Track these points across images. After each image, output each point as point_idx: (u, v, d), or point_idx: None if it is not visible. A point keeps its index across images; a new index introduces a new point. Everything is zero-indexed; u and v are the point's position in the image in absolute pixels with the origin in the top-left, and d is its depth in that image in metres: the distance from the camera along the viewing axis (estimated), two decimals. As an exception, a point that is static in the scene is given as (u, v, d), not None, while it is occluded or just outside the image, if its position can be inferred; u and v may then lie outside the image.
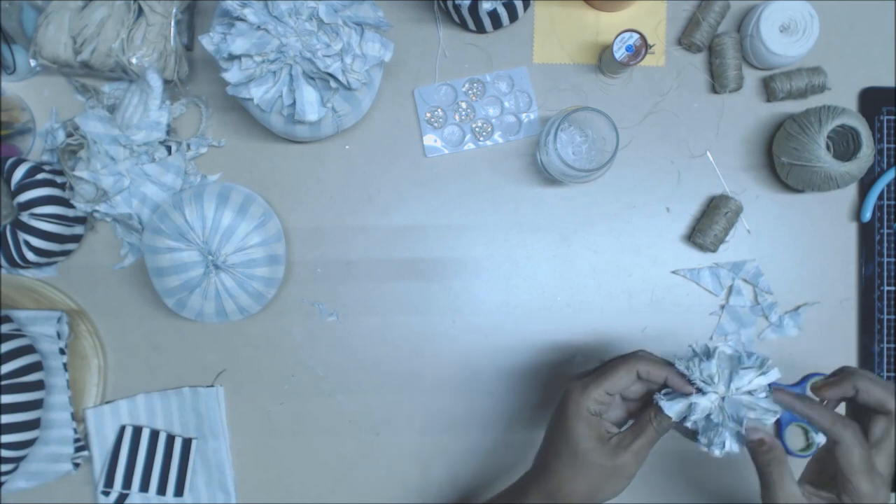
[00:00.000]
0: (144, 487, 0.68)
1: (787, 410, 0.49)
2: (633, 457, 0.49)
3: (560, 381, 0.71)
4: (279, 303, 0.70)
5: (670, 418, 0.49)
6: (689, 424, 0.49)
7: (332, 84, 0.60)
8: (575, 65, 0.71)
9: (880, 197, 0.71)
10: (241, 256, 0.62)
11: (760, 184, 0.71)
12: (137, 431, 0.69)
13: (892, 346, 0.71)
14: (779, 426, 0.68)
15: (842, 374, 0.52)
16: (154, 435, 0.69)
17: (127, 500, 0.68)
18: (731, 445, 0.49)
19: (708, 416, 0.49)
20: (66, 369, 0.67)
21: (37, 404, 0.64)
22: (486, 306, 0.71)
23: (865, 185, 0.71)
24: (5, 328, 0.63)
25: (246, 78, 0.59)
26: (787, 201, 0.71)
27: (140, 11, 0.64)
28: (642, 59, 0.65)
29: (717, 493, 0.71)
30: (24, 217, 0.64)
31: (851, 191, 0.71)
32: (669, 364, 0.51)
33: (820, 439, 0.50)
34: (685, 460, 0.70)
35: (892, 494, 0.50)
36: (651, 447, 0.50)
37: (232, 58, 0.59)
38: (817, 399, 0.52)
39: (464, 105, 0.71)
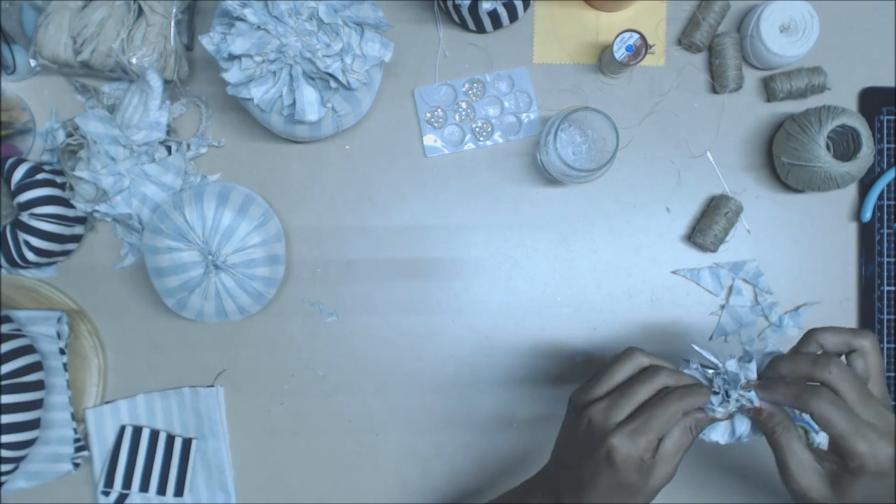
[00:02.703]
0: (144, 487, 0.68)
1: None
2: (666, 474, 0.49)
3: (560, 381, 0.71)
4: (279, 303, 0.70)
5: (688, 439, 0.49)
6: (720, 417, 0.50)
7: (332, 84, 0.60)
8: (575, 65, 0.71)
9: (880, 197, 0.71)
10: (241, 256, 0.62)
11: (760, 184, 0.71)
12: (137, 431, 0.69)
13: (892, 346, 0.71)
14: None
15: (802, 340, 0.50)
16: (154, 435, 0.69)
17: (127, 500, 0.68)
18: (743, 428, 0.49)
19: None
20: (66, 369, 0.67)
21: (37, 404, 0.64)
22: (486, 306, 0.71)
23: (865, 185, 0.71)
24: (5, 328, 0.63)
25: (246, 78, 0.59)
26: (787, 201, 0.71)
27: (140, 11, 0.64)
28: (642, 59, 0.65)
29: (719, 491, 0.71)
30: (24, 217, 0.64)
31: (851, 191, 0.71)
32: (699, 385, 0.50)
33: (821, 439, 0.49)
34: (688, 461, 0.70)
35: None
36: (678, 460, 0.50)
37: (232, 58, 0.59)
38: (779, 378, 0.50)
39: (464, 105, 0.71)
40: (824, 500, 0.45)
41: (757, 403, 0.48)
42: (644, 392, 0.49)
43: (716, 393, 0.49)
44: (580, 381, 0.70)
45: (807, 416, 0.48)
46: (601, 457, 0.48)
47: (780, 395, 0.47)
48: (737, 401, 0.49)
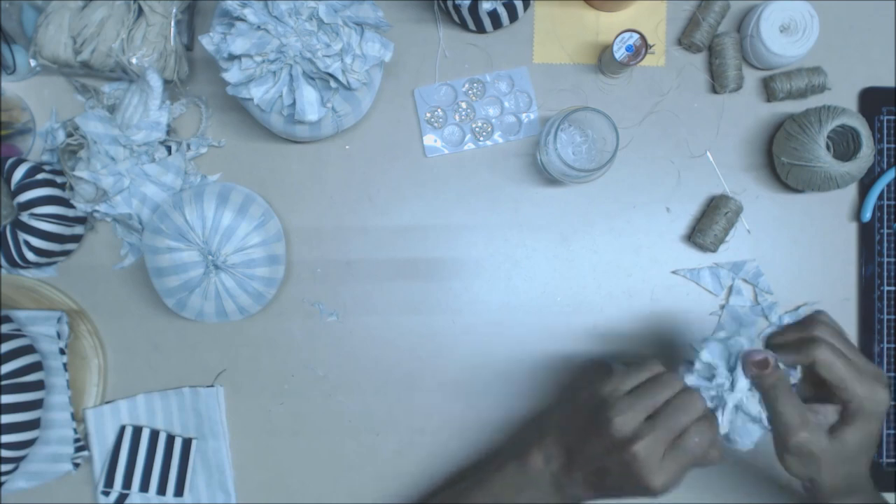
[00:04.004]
0: (144, 487, 0.68)
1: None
2: (676, 478, 0.49)
3: (560, 381, 0.71)
4: (279, 303, 0.70)
5: (716, 454, 0.50)
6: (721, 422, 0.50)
7: (332, 84, 0.60)
8: (575, 65, 0.71)
9: (880, 197, 0.71)
10: (241, 256, 0.62)
11: (760, 184, 0.71)
12: (137, 431, 0.69)
13: (892, 346, 0.71)
14: None
15: (804, 331, 0.51)
16: (154, 435, 0.69)
17: (127, 500, 0.68)
18: (754, 431, 0.50)
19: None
20: (66, 369, 0.67)
21: (37, 404, 0.64)
22: (486, 306, 0.71)
23: (865, 185, 0.71)
24: (5, 328, 0.63)
25: (246, 78, 0.59)
26: (787, 201, 0.71)
27: (140, 11, 0.64)
28: (642, 59, 0.65)
29: (720, 491, 0.71)
30: (24, 217, 0.64)
31: (851, 191, 0.71)
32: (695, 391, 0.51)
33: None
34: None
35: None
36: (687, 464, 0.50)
37: (232, 58, 0.59)
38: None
39: (464, 105, 0.71)
40: (821, 450, 0.48)
41: (761, 354, 0.49)
42: (666, 393, 0.50)
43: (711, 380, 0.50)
44: (580, 381, 0.70)
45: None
46: (623, 462, 0.49)
47: (783, 344, 0.50)
48: (740, 352, 0.50)
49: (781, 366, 0.49)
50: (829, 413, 0.49)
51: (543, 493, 0.54)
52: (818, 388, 0.51)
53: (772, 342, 0.51)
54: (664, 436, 0.48)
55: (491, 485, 0.58)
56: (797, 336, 0.50)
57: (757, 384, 0.49)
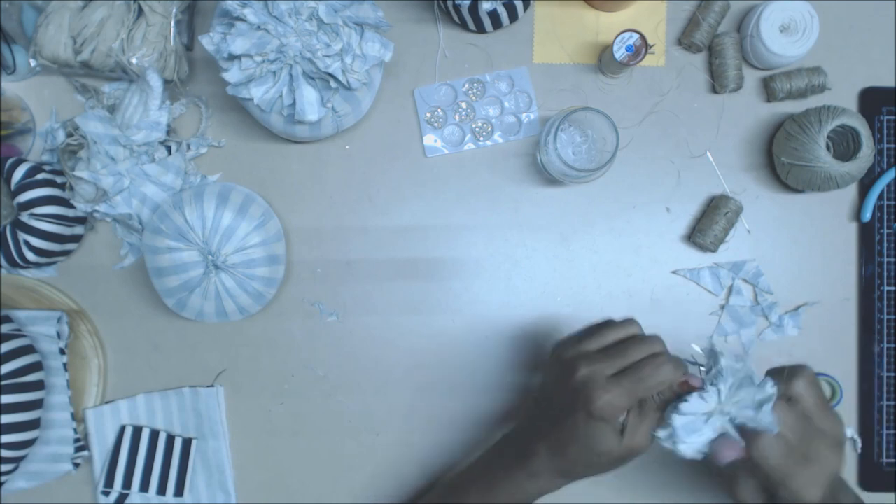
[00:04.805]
0: (144, 487, 0.68)
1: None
2: (642, 438, 0.51)
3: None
4: (279, 303, 0.70)
5: (673, 399, 0.51)
6: (672, 418, 0.50)
7: (332, 84, 0.60)
8: (575, 65, 0.71)
9: (880, 197, 0.71)
10: (241, 256, 0.62)
11: (760, 184, 0.71)
12: (137, 431, 0.69)
13: (892, 346, 0.71)
14: None
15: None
16: (154, 435, 0.69)
17: (127, 500, 0.68)
18: (700, 449, 0.50)
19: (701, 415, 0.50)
20: (66, 369, 0.67)
21: (37, 404, 0.64)
22: (486, 306, 0.71)
23: (865, 185, 0.71)
24: (5, 328, 0.63)
25: (246, 78, 0.59)
26: (787, 201, 0.71)
27: (140, 11, 0.64)
28: (642, 59, 0.65)
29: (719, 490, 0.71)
30: (24, 217, 0.64)
31: (851, 191, 0.71)
32: (683, 363, 0.52)
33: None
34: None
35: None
36: (656, 424, 0.52)
37: (232, 58, 0.59)
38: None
39: (464, 105, 0.71)
40: None
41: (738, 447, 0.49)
42: (637, 354, 0.51)
43: (711, 385, 0.50)
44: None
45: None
46: (586, 413, 0.50)
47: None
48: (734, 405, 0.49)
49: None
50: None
51: (553, 484, 0.55)
52: None
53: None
54: (612, 362, 0.51)
55: (499, 492, 0.57)
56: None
57: (719, 461, 0.50)
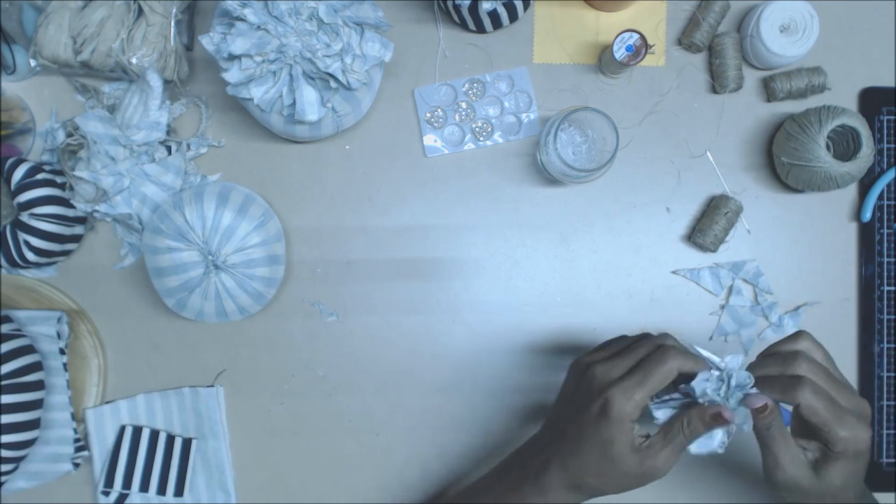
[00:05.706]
0: (144, 487, 0.68)
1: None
2: (663, 464, 0.49)
3: (560, 381, 0.71)
4: (279, 303, 0.70)
5: (701, 427, 0.49)
6: (702, 400, 0.50)
7: (332, 84, 0.60)
8: (575, 65, 0.71)
9: (880, 197, 0.71)
10: (241, 256, 0.62)
11: (760, 184, 0.71)
12: (137, 431, 0.69)
13: (892, 345, 0.71)
14: None
15: (787, 366, 0.50)
16: (154, 435, 0.69)
17: (127, 500, 0.68)
18: (723, 437, 0.49)
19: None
20: (66, 369, 0.67)
21: (37, 404, 0.64)
22: (486, 306, 0.71)
23: (865, 185, 0.71)
24: (5, 328, 0.63)
25: (246, 78, 0.59)
26: (787, 201, 0.71)
27: (140, 11, 0.64)
28: (642, 59, 0.65)
29: (713, 491, 0.71)
30: (24, 217, 0.64)
31: (851, 191, 0.71)
32: (696, 354, 0.51)
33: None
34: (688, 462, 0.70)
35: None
36: (681, 453, 0.50)
37: (232, 58, 0.59)
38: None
39: (464, 105, 0.71)
40: (808, 486, 0.49)
41: (762, 401, 0.48)
42: (644, 351, 0.52)
43: (720, 381, 0.50)
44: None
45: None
46: (596, 409, 0.50)
47: (770, 390, 0.49)
48: (740, 390, 0.49)
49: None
50: (815, 450, 0.49)
51: (563, 500, 0.53)
52: (803, 422, 0.50)
53: (756, 374, 0.51)
54: (621, 361, 0.51)
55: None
56: (781, 371, 0.50)
57: (756, 420, 0.49)
